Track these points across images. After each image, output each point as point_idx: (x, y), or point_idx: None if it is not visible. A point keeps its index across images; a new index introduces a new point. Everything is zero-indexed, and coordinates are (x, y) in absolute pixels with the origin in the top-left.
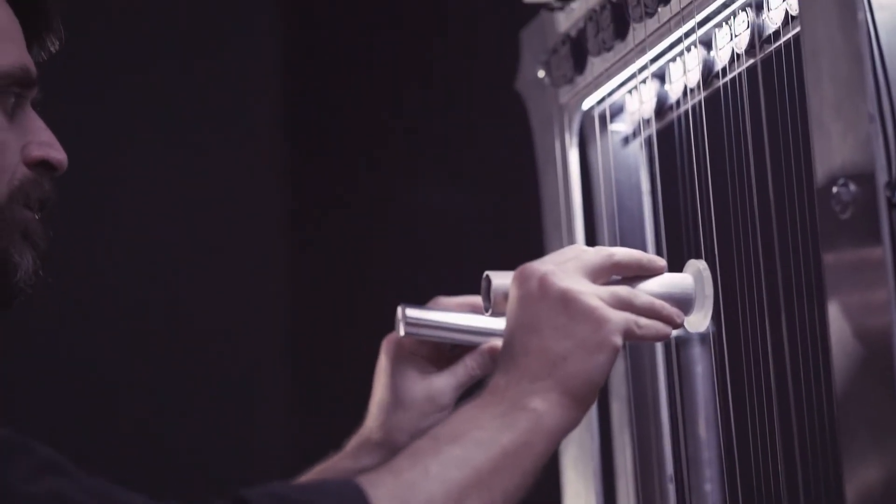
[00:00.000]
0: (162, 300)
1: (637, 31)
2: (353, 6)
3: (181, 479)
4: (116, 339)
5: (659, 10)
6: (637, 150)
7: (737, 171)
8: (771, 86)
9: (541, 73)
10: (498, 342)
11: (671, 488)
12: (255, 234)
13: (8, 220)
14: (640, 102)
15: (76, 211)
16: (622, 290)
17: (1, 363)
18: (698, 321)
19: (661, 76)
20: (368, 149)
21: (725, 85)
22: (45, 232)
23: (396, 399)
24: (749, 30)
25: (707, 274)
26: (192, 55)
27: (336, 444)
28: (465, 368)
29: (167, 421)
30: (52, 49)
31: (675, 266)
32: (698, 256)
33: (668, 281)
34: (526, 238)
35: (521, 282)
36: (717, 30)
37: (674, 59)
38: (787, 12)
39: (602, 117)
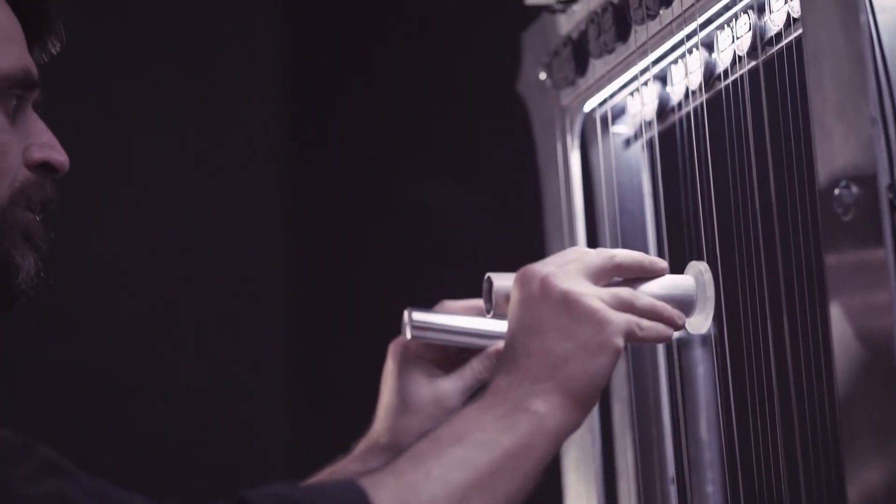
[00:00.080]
0: (163, 301)
1: (639, 34)
2: (353, 6)
3: (182, 481)
4: (117, 339)
5: (661, 12)
6: (638, 152)
7: (738, 173)
8: (773, 88)
9: (542, 76)
10: None
11: (673, 490)
12: (255, 235)
13: (10, 222)
14: (641, 104)
15: (76, 212)
16: (624, 292)
17: (1, 363)
18: (700, 323)
19: (662, 78)
20: (369, 149)
21: (727, 87)
22: (47, 234)
23: (404, 402)
24: (751, 32)
25: (708, 276)
26: (193, 55)
27: (336, 444)
28: (471, 371)
29: (167, 422)
30: (53, 51)
31: (677, 268)
32: (700, 258)
33: (670, 283)
34: (527, 240)
35: (523, 283)
36: (718, 32)
37: (675, 62)
38: (788, 14)
39: (603, 119)
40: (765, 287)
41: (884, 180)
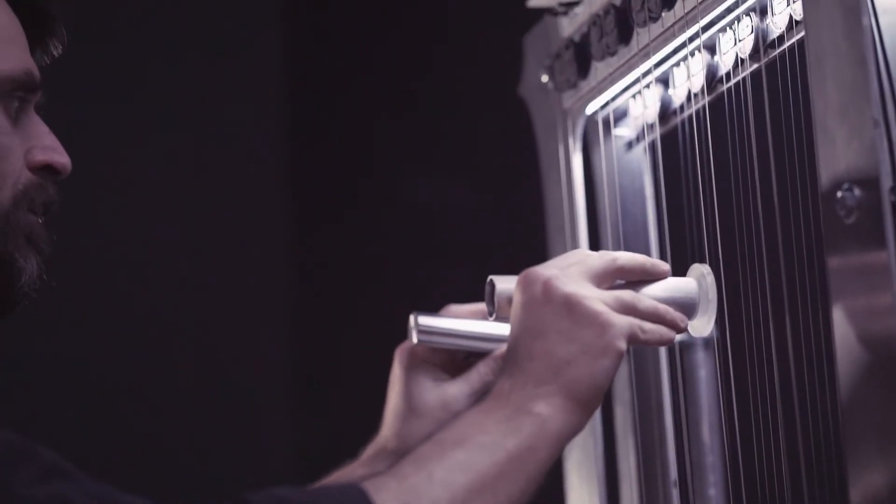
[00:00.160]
0: (163, 301)
1: (641, 36)
2: (355, 7)
3: (182, 481)
4: (117, 339)
5: (663, 14)
6: (641, 155)
7: (740, 175)
8: (775, 91)
9: (544, 78)
10: None
11: (675, 493)
12: (256, 235)
13: (12, 224)
14: (643, 107)
15: (77, 212)
16: (626, 295)
17: (2, 365)
18: (702, 325)
19: (664, 81)
20: (370, 150)
21: (729, 90)
22: (50, 236)
23: (411, 407)
24: (753, 34)
25: (711, 278)
26: (193, 56)
27: (337, 444)
28: (478, 375)
29: (167, 422)
30: (54, 53)
31: (679, 270)
32: (702, 261)
33: (672, 285)
34: (529, 243)
35: (525, 286)
36: (721, 34)
37: (677, 64)
38: (791, 17)
39: (605, 122)
40: (767, 290)
41: (886, 183)
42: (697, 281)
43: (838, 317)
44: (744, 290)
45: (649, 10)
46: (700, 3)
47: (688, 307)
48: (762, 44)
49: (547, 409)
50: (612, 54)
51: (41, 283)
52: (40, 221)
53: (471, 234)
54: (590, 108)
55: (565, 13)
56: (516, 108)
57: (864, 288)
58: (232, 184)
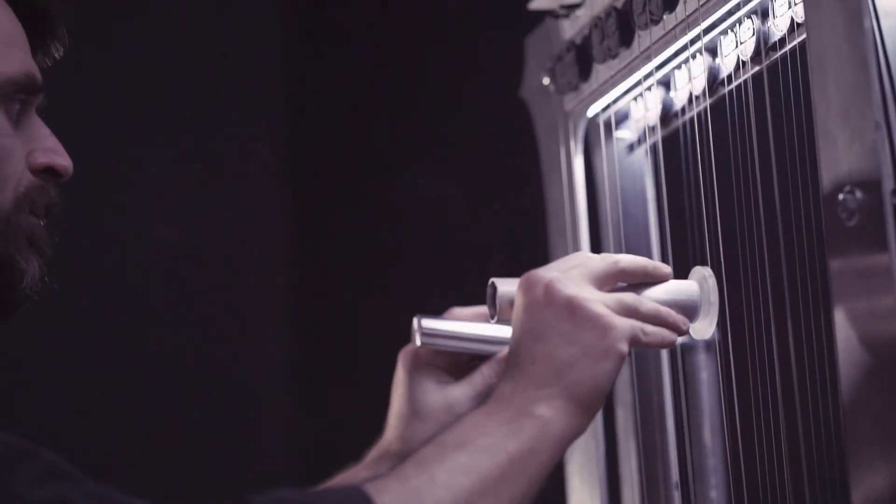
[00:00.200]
0: (164, 302)
1: (642, 39)
2: (356, 8)
3: (183, 483)
4: (117, 339)
5: (664, 17)
6: (642, 157)
7: (742, 178)
8: (776, 93)
9: (546, 81)
10: None
11: (677, 495)
12: (257, 236)
13: (14, 227)
14: (645, 109)
15: (78, 213)
16: (628, 297)
17: (3, 366)
18: (704, 328)
19: (666, 83)
20: (371, 152)
21: (731, 92)
22: (51, 238)
23: (414, 410)
24: (754, 37)
25: (712, 281)
26: (194, 58)
27: (337, 445)
28: (481, 377)
29: (168, 423)
30: (56, 55)
31: (681, 273)
32: (703, 263)
33: (674, 288)
34: (531, 245)
35: (527, 289)
36: (722, 37)
37: (679, 67)
38: (792, 20)
39: (607, 124)
40: (769, 292)
41: (888, 185)
42: (699, 283)
43: (840, 319)
44: (745, 292)
45: (651, 13)
46: (701, 6)
47: (689, 310)
48: (763, 46)
49: (549, 412)
50: (614, 57)
51: (43, 286)
52: (42, 224)
53: (472, 236)
54: (591, 111)
55: (567, 15)
56: (518, 110)
57: (865, 290)
58: (232, 184)
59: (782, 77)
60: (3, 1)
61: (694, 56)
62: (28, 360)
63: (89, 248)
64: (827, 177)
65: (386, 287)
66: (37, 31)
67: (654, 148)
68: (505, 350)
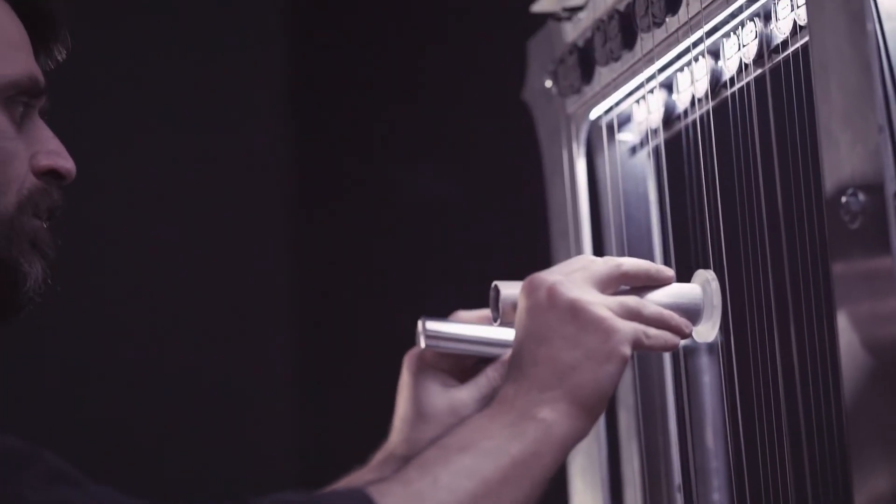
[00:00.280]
0: (165, 302)
1: (645, 41)
2: (358, 9)
3: (184, 483)
4: (118, 340)
5: (667, 19)
6: (644, 160)
7: (745, 180)
8: (779, 96)
9: (548, 83)
10: None
11: (679, 498)
12: (258, 236)
13: (17, 229)
14: (647, 112)
15: (79, 213)
16: (631, 301)
17: (4, 367)
18: (706, 331)
19: (668, 86)
20: (372, 153)
21: (733, 95)
22: (54, 241)
23: (419, 413)
24: (757, 40)
25: (715, 284)
26: (196, 56)
27: (338, 446)
28: (486, 379)
29: (169, 424)
30: (59, 58)
31: (683, 276)
32: (706, 266)
33: (677, 291)
34: (533, 248)
35: (530, 292)
36: (725, 40)
37: (681, 69)
38: (795, 22)
39: (609, 127)
40: (771, 295)
41: (891, 188)
42: (702, 286)
43: (843, 322)
44: (748, 295)
45: (653, 15)
46: (704, 8)
47: (692, 313)
48: (766, 49)
49: (551, 415)
50: (616, 59)
51: (46, 288)
52: (45, 226)
53: (473, 239)
54: (593, 113)
55: (569, 18)
56: (520, 113)
57: (868, 293)
58: (233, 184)
59: (785, 80)
60: (6, 3)
61: (696, 59)
62: (28, 360)
63: (89, 248)
64: (829, 179)
65: (386, 287)
66: (39, 33)
67: (656, 150)
68: (509, 352)
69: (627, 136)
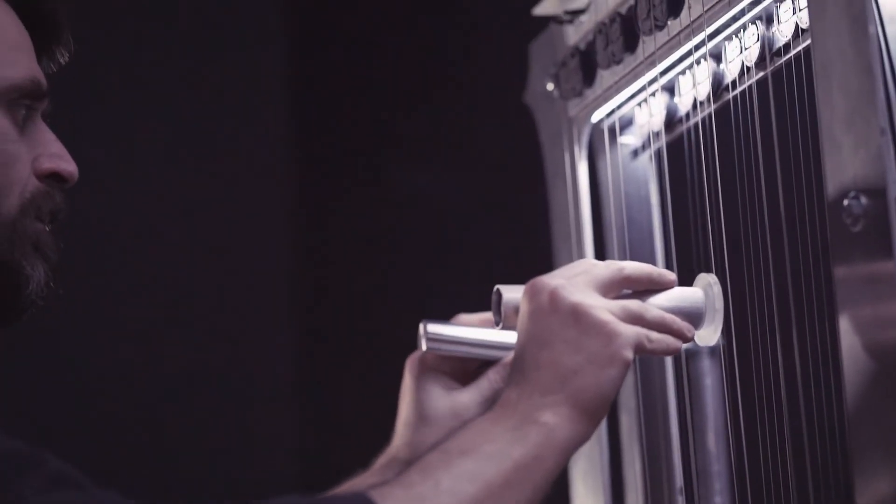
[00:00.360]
0: (165, 302)
1: (647, 44)
2: (358, 12)
3: (184, 484)
4: (118, 340)
5: (669, 22)
6: (646, 163)
7: (747, 184)
8: (781, 99)
9: (550, 86)
10: None
11: (681, 501)
12: (259, 236)
13: (20, 232)
14: (649, 115)
15: (78, 213)
16: (633, 304)
17: (6, 368)
18: (709, 335)
19: (670, 89)
20: (374, 154)
21: (735, 98)
22: (57, 244)
23: (422, 416)
24: (759, 42)
25: (717, 288)
26: (197, 56)
27: (338, 447)
28: (489, 383)
29: (169, 424)
30: (61, 60)
31: (686, 280)
32: (708, 270)
33: (679, 295)
34: (535, 251)
35: (532, 296)
36: (727, 42)
37: (683, 72)
38: (797, 25)
39: (611, 130)
40: (773, 299)
41: (893, 191)
42: (704, 290)
43: (845, 325)
44: (750, 299)
45: (655, 19)
46: (706, 12)
47: (694, 317)
48: (768, 52)
49: (553, 419)
50: (618, 62)
51: (48, 291)
52: (47, 229)
53: (475, 241)
54: (595, 117)
55: (571, 21)
56: (522, 115)
57: (870, 296)
58: (233, 184)
59: (787, 83)
60: (8, 6)
61: (698, 61)
62: (28, 360)
63: (90, 248)
64: (832, 182)
65: (387, 288)
66: (42, 36)
67: (658, 153)
68: (511, 356)
69: (629, 140)
